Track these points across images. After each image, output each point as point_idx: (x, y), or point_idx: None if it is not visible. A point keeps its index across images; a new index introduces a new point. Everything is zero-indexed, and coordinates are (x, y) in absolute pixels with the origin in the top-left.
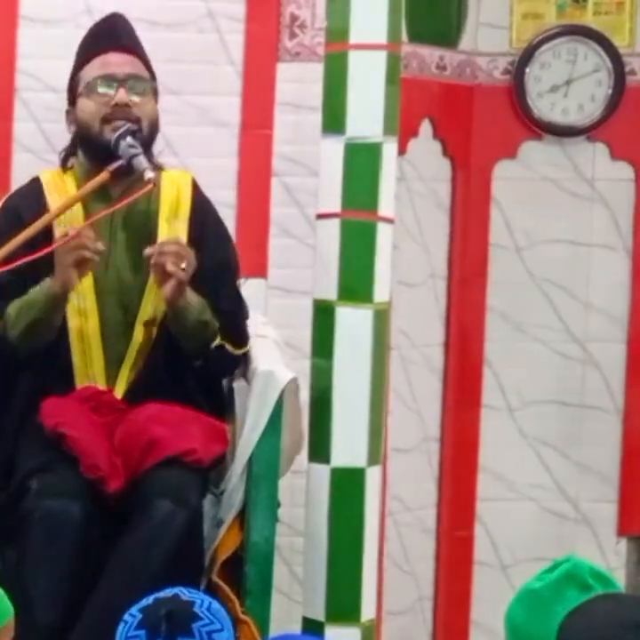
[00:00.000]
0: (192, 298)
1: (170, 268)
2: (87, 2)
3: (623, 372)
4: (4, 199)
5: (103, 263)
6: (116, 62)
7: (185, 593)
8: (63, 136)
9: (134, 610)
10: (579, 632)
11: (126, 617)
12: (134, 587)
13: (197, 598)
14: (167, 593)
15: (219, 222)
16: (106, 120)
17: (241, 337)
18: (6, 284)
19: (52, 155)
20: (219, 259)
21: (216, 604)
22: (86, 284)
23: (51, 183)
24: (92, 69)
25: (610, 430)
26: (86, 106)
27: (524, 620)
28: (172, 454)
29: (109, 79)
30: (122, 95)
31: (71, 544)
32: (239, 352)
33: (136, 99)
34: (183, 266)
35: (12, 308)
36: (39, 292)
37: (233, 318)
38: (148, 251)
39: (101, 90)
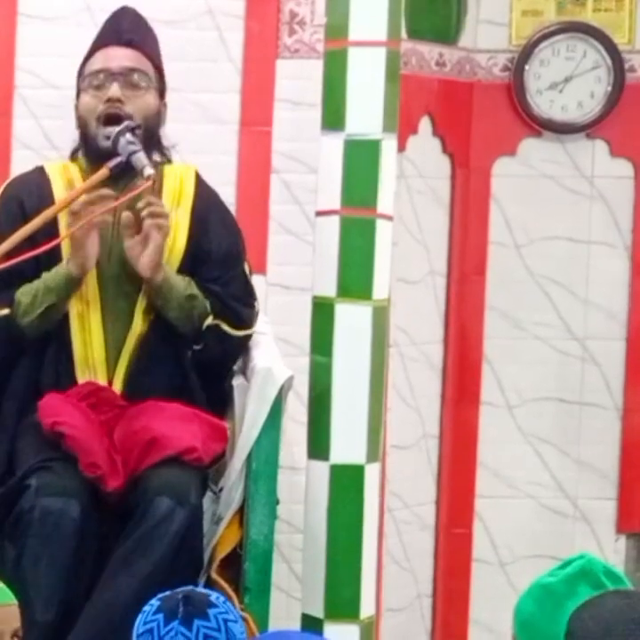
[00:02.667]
0: (173, 275)
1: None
2: None
3: (622, 369)
4: (3, 186)
5: (106, 253)
6: (115, 56)
7: (199, 590)
8: (62, 133)
9: (153, 600)
10: (588, 625)
11: (145, 607)
12: (134, 585)
13: (212, 593)
14: (183, 589)
15: (224, 211)
16: (99, 120)
17: (239, 317)
18: (12, 274)
19: (51, 151)
20: (224, 246)
21: (229, 603)
22: (89, 272)
23: (56, 173)
24: (92, 64)
25: (609, 427)
26: (83, 102)
27: (535, 613)
28: (172, 453)
29: (105, 73)
30: (114, 90)
31: (70, 542)
32: (239, 333)
33: (129, 93)
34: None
35: (24, 295)
36: (55, 276)
37: (231, 299)
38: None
39: (96, 84)
